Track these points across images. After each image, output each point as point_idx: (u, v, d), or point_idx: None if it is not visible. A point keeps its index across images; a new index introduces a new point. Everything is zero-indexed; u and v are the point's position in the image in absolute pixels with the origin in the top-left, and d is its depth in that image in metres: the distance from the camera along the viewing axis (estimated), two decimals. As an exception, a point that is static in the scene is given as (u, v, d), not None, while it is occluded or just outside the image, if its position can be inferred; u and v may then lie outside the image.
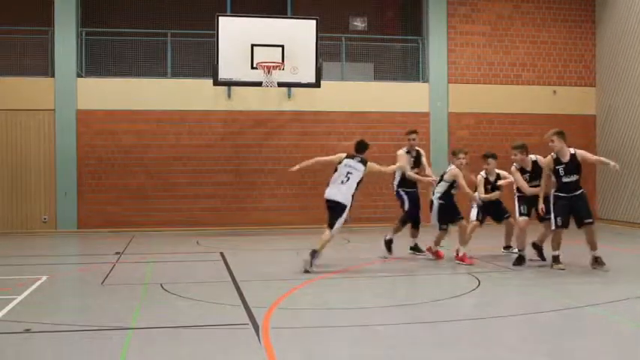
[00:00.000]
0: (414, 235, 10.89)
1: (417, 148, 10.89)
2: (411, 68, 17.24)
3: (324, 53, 15.36)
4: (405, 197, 10.66)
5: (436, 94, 16.88)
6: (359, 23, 18.15)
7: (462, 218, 10.13)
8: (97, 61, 15.86)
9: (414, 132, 10.92)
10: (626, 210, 16.37)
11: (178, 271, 10.10)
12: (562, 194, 9.22)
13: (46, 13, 15.52)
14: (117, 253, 11.63)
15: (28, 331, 6.21)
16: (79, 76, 15.60)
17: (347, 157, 9.70)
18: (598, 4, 17.52)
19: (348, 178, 9.46)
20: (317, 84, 14.59)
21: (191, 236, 14.39)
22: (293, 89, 15.86)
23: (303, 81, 14.46)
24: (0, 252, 12.35)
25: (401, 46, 17.67)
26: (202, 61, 15.56)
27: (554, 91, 17.47)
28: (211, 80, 14.42)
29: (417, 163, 10.80)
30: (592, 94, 17.69)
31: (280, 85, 14.50)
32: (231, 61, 14.02)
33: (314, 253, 9.20)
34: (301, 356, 5.48)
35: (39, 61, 15.55)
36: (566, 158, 9.18)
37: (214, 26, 14.02)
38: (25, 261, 11.29)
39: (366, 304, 7.62)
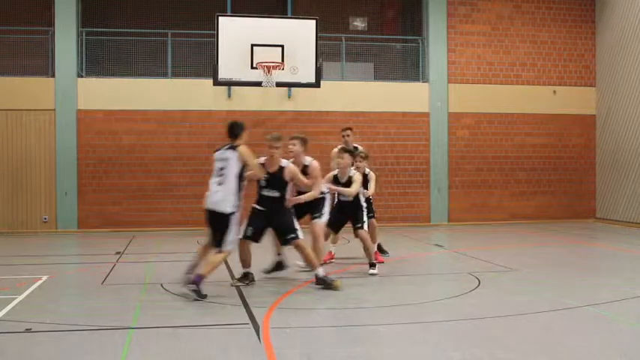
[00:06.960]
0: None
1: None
2: (411, 68, 17.23)
3: (324, 53, 15.36)
4: None
5: (436, 94, 16.88)
6: (359, 23, 18.14)
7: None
8: (97, 61, 15.85)
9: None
10: (626, 210, 16.37)
11: (178, 271, 10.05)
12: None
13: (46, 13, 15.52)
14: (117, 253, 11.64)
15: (28, 330, 6.21)
16: (79, 76, 15.61)
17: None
18: (598, 4, 17.53)
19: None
20: (317, 84, 14.57)
21: (191, 236, 14.37)
22: (293, 89, 15.86)
23: (303, 81, 14.44)
24: (0, 252, 12.36)
25: (401, 46, 17.67)
26: (202, 61, 15.57)
27: (554, 91, 17.48)
28: (211, 80, 14.42)
29: None
30: (592, 94, 17.70)
31: (280, 85, 14.49)
32: (231, 61, 14.00)
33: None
34: (301, 356, 5.47)
35: (39, 61, 15.55)
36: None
37: (214, 26, 14.01)
38: (25, 261, 11.29)
39: (366, 304, 7.62)
